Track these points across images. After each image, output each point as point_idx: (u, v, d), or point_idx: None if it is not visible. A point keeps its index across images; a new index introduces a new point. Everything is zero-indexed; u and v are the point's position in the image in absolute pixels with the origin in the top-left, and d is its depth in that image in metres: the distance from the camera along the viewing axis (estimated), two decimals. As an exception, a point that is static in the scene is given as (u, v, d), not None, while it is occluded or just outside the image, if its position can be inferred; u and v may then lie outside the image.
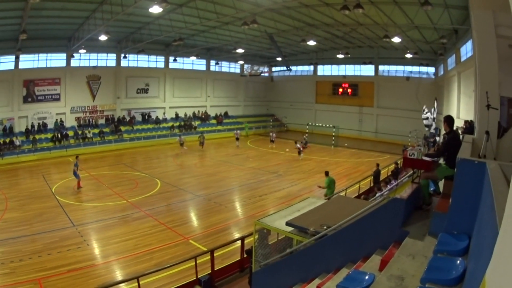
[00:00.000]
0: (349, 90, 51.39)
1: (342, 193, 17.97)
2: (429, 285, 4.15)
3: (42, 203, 21.56)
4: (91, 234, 17.15)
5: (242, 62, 54.25)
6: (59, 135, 39.23)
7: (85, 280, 12.78)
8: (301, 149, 34.25)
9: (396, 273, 5.23)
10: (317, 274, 7.66)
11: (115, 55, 44.49)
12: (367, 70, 49.38)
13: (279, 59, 50.02)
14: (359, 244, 7.19)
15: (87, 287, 12.06)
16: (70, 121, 41.89)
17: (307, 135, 40.13)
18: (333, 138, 42.82)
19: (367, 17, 29.21)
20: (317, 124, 48.65)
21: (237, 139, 42.70)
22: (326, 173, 19.61)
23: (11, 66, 38.11)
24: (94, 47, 38.24)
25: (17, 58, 37.98)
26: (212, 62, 53.76)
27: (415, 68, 45.32)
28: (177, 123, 48.24)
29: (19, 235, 16.80)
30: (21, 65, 38.54)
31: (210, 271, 12.29)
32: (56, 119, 40.88)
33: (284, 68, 51.78)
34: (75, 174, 24.40)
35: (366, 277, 5.53)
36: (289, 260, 8.51)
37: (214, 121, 52.16)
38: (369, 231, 7.05)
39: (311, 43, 36.95)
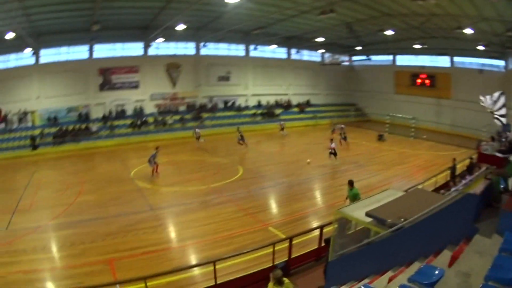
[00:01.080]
0: (427, 81, 49.79)
1: (420, 186, 17.46)
2: (492, 283, 4.16)
3: (120, 187, 22.70)
4: (169, 218, 17.81)
5: (323, 50, 53.62)
6: (139, 121, 41.19)
7: (159, 262, 13.24)
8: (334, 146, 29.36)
9: (463, 269, 5.27)
10: (391, 267, 7.49)
11: (194, 43, 45.44)
12: (444, 61, 47.61)
13: (358, 48, 49.27)
14: (433, 238, 6.99)
15: (161, 269, 12.30)
16: (149, 108, 43.59)
17: (343, 125, 38.28)
18: (412, 129, 41.91)
19: (440, 8, 28.15)
20: (396, 115, 47.24)
21: (282, 129, 41.72)
22: (351, 183, 15.54)
23: (85, 55, 40.61)
24: (172, 36, 39.11)
25: (91, 47, 40.29)
26: (293, 51, 53.41)
27: (487, 61, 43.02)
28: (259, 111, 48.48)
29: (93, 217, 17.77)
30: (96, 54, 40.75)
31: (286, 259, 12.50)
32: (135, 106, 42.79)
33: (364, 57, 50.54)
34: (149, 162, 25.17)
35: (436, 272, 5.52)
36: (365, 251, 8.47)
37: (296, 109, 52.03)
38: (442, 226, 6.83)
39: (389, 32, 36.41)
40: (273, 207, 19.86)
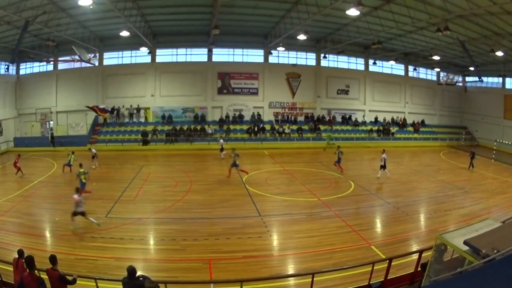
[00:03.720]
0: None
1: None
2: None
3: (229, 190, 23.72)
4: (275, 226, 18.05)
5: (438, 69, 52.21)
6: (256, 128, 42.57)
7: (258, 268, 13.45)
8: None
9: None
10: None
11: (314, 54, 46.42)
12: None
13: (471, 68, 47.15)
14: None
15: (258, 274, 12.65)
16: (267, 115, 45.24)
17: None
18: (520, 159, 38.58)
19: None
20: (504, 142, 44.04)
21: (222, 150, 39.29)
22: None
23: (204, 58, 43.15)
24: (293, 45, 40.20)
25: (209, 51, 42.39)
26: (410, 68, 52.53)
27: None
28: (376, 127, 48.00)
29: (199, 217, 18.73)
30: (215, 58, 43.30)
31: (382, 279, 12.48)
32: (253, 112, 44.42)
33: (476, 78, 48.95)
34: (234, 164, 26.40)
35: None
36: (457, 280, 8.39)
37: (411, 129, 50.73)
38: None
39: (499, 53, 34.79)
40: (377, 226, 19.50)
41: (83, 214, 17.39)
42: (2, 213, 20.12)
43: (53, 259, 9.32)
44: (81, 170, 22.74)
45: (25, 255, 9.45)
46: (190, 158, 33.06)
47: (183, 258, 14.13)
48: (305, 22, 30.08)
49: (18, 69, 48.71)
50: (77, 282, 9.42)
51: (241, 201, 21.61)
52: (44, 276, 9.07)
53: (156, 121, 44.55)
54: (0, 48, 39.90)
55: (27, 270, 8.90)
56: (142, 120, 45.44)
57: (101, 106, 42.69)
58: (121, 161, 34.90)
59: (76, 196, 17.28)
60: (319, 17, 29.84)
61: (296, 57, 46.24)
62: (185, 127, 42.76)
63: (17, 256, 10.13)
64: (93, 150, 32.12)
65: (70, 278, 9.21)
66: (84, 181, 22.66)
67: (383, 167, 27.91)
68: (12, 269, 10.30)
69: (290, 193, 23.25)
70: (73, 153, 29.63)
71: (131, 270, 9.14)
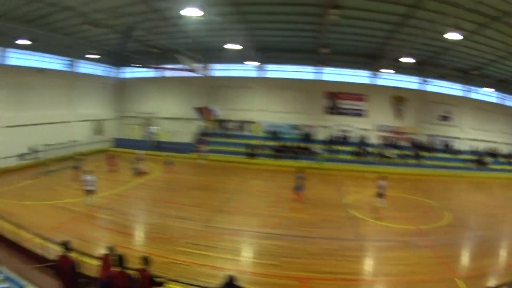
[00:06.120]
0: None
1: None
2: None
3: (331, 211, 24.20)
4: (370, 250, 18.37)
5: None
6: (361, 150, 42.69)
7: None
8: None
9: None
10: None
11: (417, 77, 45.77)
12: None
13: None
14: None
15: None
16: (372, 138, 45.20)
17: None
18: None
19: None
20: None
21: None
22: None
23: (313, 76, 44.27)
24: (397, 67, 39.70)
25: (318, 69, 43.27)
26: (505, 96, 49.84)
27: None
28: (472, 157, 45.95)
29: (300, 235, 19.24)
30: (324, 77, 44.31)
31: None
32: (359, 134, 44.70)
33: None
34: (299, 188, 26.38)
35: None
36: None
37: (504, 160, 47.74)
38: None
39: None
40: (465, 259, 19.01)
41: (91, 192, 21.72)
42: (95, 209, 22.36)
43: (146, 260, 9.88)
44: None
45: (116, 253, 10.42)
46: (294, 175, 34.09)
47: (277, 273, 14.71)
48: (409, 45, 30.28)
49: (120, 73, 52.51)
50: (169, 286, 10.28)
51: (341, 223, 22.03)
52: (133, 274, 9.72)
53: (263, 136, 46.14)
54: (102, 51, 43.21)
55: (114, 267, 9.78)
56: (249, 133, 47.18)
57: (211, 108, 45.09)
58: (226, 172, 36.84)
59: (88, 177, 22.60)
60: (423, 39, 29.85)
61: (400, 80, 45.94)
62: (291, 144, 43.98)
63: (106, 252, 11.06)
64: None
65: (160, 280, 9.97)
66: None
67: (380, 195, 25.74)
68: (97, 263, 11.43)
69: (387, 219, 23.22)
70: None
71: (231, 278, 9.76)
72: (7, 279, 10.86)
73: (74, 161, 32.48)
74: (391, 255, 17.57)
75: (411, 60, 33.27)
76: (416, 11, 26.04)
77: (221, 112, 47.73)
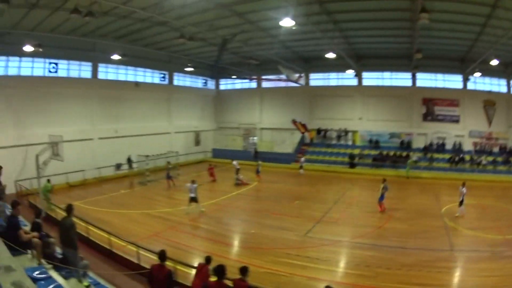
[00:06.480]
0: None
1: None
2: None
3: (428, 221, 23.52)
4: (463, 261, 17.61)
5: None
6: (456, 158, 41.21)
7: None
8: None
9: None
10: None
11: (505, 80, 43.67)
12: None
13: None
14: None
15: None
16: (467, 145, 43.50)
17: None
18: None
19: None
20: None
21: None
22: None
23: (409, 82, 43.49)
24: (487, 70, 38.10)
25: (413, 75, 42.37)
26: None
27: None
28: None
29: (396, 245, 18.94)
30: (418, 83, 43.39)
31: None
32: (455, 141, 43.26)
33: None
34: (381, 197, 25.81)
35: None
36: None
37: None
38: None
39: None
40: None
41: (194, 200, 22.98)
42: (193, 218, 23.40)
43: (244, 270, 9.76)
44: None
45: (212, 263, 10.70)
46: (393, 184, 33.53)
47: (372, 285, 14.61)
48: (495, 46, 28.99)
49: (217, 84, 54.06)
50: None
51: (437, 233, 21.34)
52: (230, 285, 9.73)
53: (363, 145, 46.13)
54: (197, 63, 44.75)
55: (211, 277, 10.05)
56: (349, 142, 47.41)
57: (299, 120, 45.88)
58: (326, 182, 37.21)
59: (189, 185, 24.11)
60: (507, 40, 28.15)
61: (489, 84, 43.83)
62: (391, 153, 43.54)
63: (203, 261, 11.34)
64: (234, 163, 36.49)
65: None
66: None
67: (461, 203, 25.01)
68: (192, 272, 11.79)
69: (480, 229, 22.28)
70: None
71: None
72: (95, 285, 11.51)
73: (167, 170, 34.22)
74: (482, 266, 16.94)
75: (496, 62, 31.76)
76: (497, 11, 24.90)
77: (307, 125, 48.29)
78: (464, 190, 24.77)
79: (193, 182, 24.67)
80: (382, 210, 25.76)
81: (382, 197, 25.85)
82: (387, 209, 25.91)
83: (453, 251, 18.67)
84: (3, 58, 30.87)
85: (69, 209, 11.61)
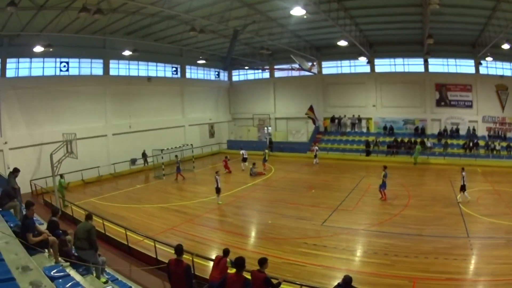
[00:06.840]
0: None
1: None
2: None
3: (443, 208, 23.39)
4: (479, 248, 17.43)
5: None
6: (470, 143, 40.96)
7: None
8: None
9: None
10: None
11: None
12: None
13: None
14: None
15: None
16: (481, 130, 43.01)
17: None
18: None
19: None
20: None
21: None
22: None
23: (421, 68, 43.03)
24: (498, 54, 37.69)
25: (425, 61, 41.79)
26: None
27: None
28: None
29: (412, 233, 18.91)
30: (431, 69, 42.91)
31: None
32: (468, 127, 42.85)
33: None
34: (383, 185, 25.59)
35: None
36: None
37: None
38: None
39: None
40: None
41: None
42: (209, 211, 23.46)
43: (263, 261, 9.70)
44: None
45: (230, 255, 10.81)
46: (409, 171, 33.31)
47: (390, 273, 14.56)
48: (505, 30, 28.64)
49: (230, 76, 54.09)
50: (282, 286, 10.20)
51: (453, 220, 21.24)
52: (248, 276, 9.63)
53: (377, 132, 46.09)
54: (209, 55, 44.77)
55: (230, 269, 10.15)
56: (364, 130, 47.41)
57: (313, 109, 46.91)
58: (341, 170, 37.20)
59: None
60: None
61: (502, 68, 42.88)
62: (405, 139, 43.41)
63: (221, 254, 11.31)
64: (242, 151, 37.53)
65: (275, 281, 9.89)
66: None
67: (463, 188, 24.76)
68: (210, 265, 11.81)
69: (496, 215, 22.03)
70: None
71: (349, 279, 9.78)
72: (113, 280, 11.67)
73: (176, 164, 34.55)
74: (496, 254, 16.79)
75: (508, 46, 31.55)
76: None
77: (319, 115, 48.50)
78: (464, 174, 24.82)
79: (217, 173, 25.25)
80: (384, 199, 25.70)
81: (384, 185, 25.75)
82: (402, 196, 26.07)
83: (469, 238, 18.58)
84: (14, 60, 31.07)
85: (88, 216, 12.08)
